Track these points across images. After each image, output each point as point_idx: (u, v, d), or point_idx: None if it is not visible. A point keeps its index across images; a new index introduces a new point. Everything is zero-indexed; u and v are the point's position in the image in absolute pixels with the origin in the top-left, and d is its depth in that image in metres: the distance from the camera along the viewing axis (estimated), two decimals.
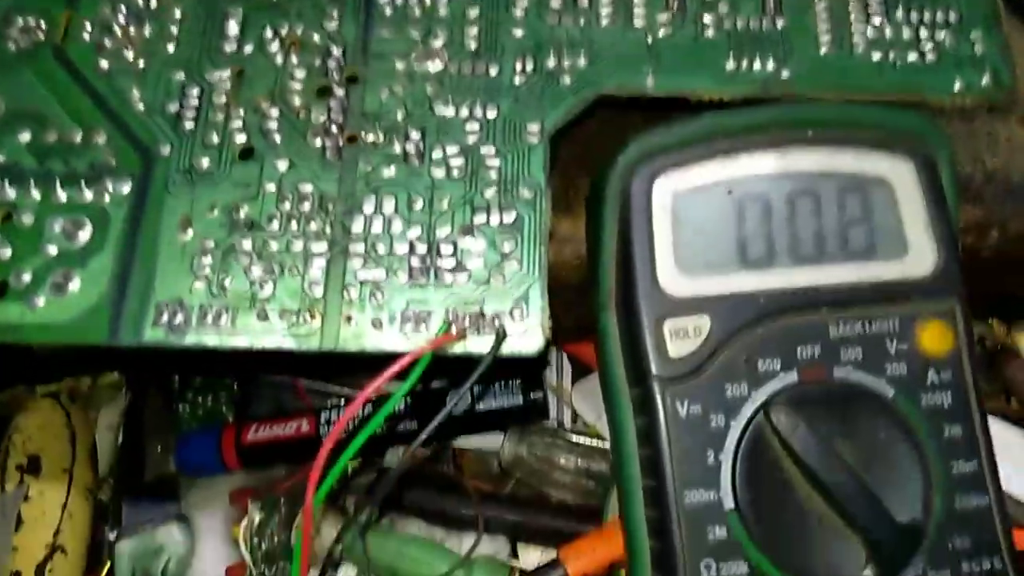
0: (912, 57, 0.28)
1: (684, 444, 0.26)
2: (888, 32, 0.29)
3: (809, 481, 0.26)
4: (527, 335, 0.25)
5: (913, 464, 0.26)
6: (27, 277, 0.27)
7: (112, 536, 0.41)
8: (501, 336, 0.25)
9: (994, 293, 0.38)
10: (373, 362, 0.26)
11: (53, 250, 0.27)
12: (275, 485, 0.42)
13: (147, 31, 0.30)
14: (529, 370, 0.40)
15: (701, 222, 0.28)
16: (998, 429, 0.32)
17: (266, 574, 0.40)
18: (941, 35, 0.29)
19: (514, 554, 0.41)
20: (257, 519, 0.40)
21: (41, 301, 0.26)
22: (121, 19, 0.30)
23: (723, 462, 0.26)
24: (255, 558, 0.39)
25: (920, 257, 0.28)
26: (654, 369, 0.27)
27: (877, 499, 0.26)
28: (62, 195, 0.28)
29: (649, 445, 0.27)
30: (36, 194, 0.28)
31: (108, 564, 0.40)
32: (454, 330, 0.25)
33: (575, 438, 0.43)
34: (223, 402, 0.46)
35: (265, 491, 0.41)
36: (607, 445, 0.41)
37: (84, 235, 0.27)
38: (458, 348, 0.26)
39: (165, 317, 0.26)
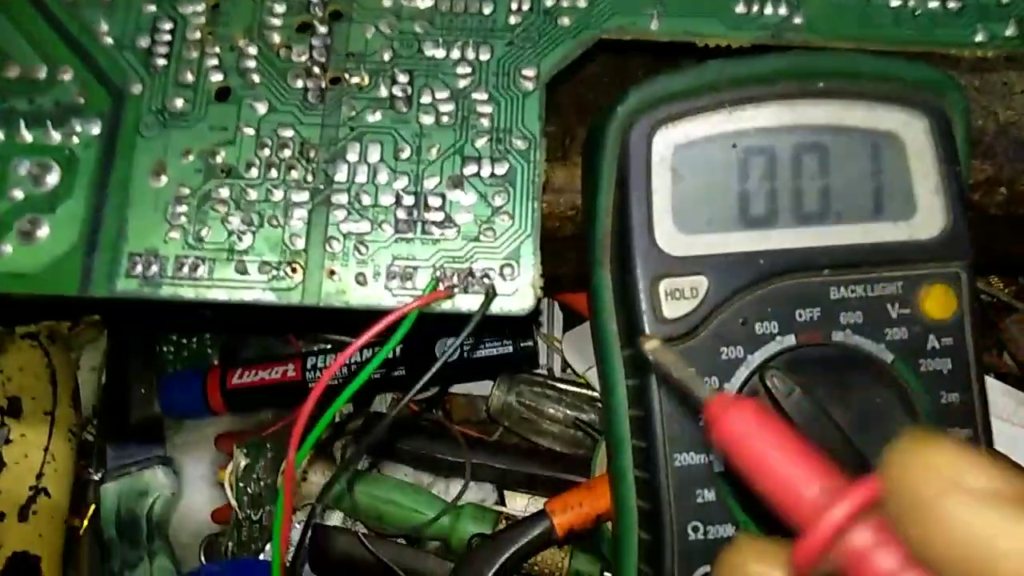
0: (933, 4, 0.27)
1: (676, 407, 0.26)
2: None
3: None
4: (518, 294, 0.25)
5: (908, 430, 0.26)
6: None
7: (97, 477, 0.41)
8: (491, 295, 0.24)
9: (998, 251, 0.38)
10: (357, 317, 0.25)
11: (19, 194, 0.26)
12: (261, 429, 0.41)
13: None
14: (519, 320, 0.39)
15: (702, 177, 0.26)
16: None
17: (252, 518, 0.40)
18: None
19: (501, 501, 0.41)
20: (243, 463, 0.40)
21: (8, 248, 0.25)
22: None
23: None
24: (241, 502, 0.39)
25: (928, 218, 0.27)
26: (648, 329, 0.26)
27: (869, 464, 0.25)
28: (27, 135, 0.26)
29: (640, 406, 0.26)
30: None
31: (93, 506, 0.40)
32: (442, 287, 0.24)
33: (564, 386, 0.42)
34: (208, 344, 0.45)
35: (251, 435, 0.41)
36: (596, 395, 0.41)
37: (52, 179, 0.26)
38: (446, 305, 0.25)
39: (139, 268, 0.25)
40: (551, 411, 0.41)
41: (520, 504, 0.41)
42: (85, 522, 0.40)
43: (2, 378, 0.40)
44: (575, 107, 0.33)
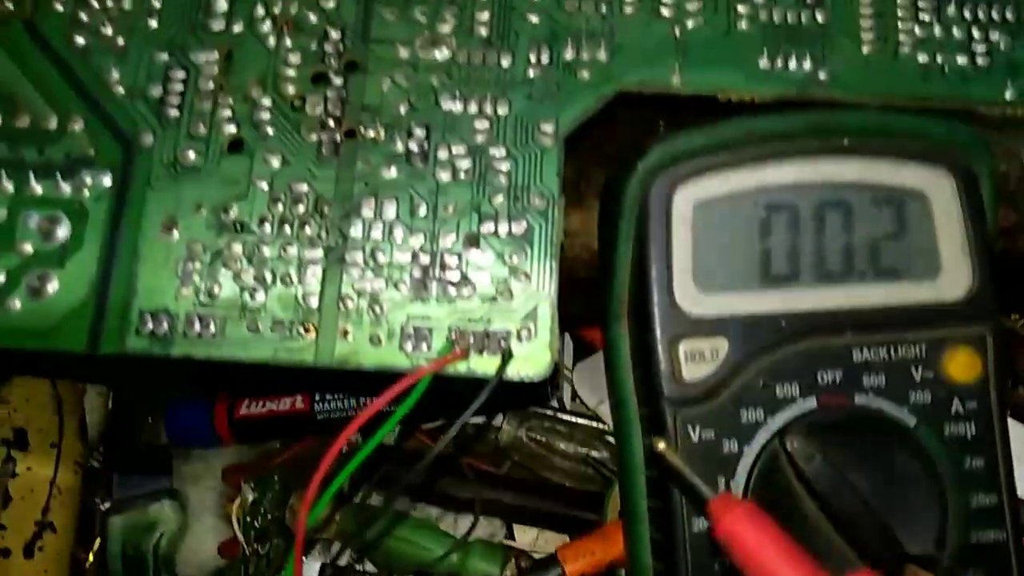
0: (962, 60, 0.26)
1: (694, 469, 0.25)
2: (937, 31, 0.26)
3: (822, 511, 0.25)
4: (534, 358, 0.24)
5: (930, 495, 0.25)
6: (1, 278, 0.25)
7: (103, 507, 0.41)
8: (507, 358, 0.24)
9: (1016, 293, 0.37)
10: (370, 377, 0.24)
11: (29, 248, 0.25)
12: (268, 462, 0.41)
13: (126, 3, 0.27)
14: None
15: (723, 235, 0.26)
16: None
17: (259, 552, 0.40)
18: (995, 36, 0.26)
19: (510, 535, 0.41)
20: (250, 498, 0.39)
21: (16, 304, 0.25)
22: None
23: (734, 489, 0.25)
24: (248, 537, 0.39)
25: (953, 279, 0.26)
26: (666, 391, 0.25)
27: (890, 531, 0.25)
28: (37, 187, 0.26)
29: (657, 467, 0.26)
30: (8, 186, 0.26)
31: (99, 540, 0.39)
32: (457, 349, 0.24)
33: (575, 419, 0.42)
34: None
35: (258, 468, 0.40)
36: (607, 430, 0.40)
37: (62, 233, 0.25)
38: (461, 368, 0.24)
39: (149, 325, 0.24)
40: (562, 447, 0.41)
41: (529, 538, 0.41)
42: (91, 556, 0.39)
43: (8, 409, 0.39)
44: (591, 149, 0.32)
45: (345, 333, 0.24)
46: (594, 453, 0.40)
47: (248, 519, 0.39)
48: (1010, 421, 0.35)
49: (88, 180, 0.26)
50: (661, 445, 0.20)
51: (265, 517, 0.40)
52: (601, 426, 0.41)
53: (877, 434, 0.25)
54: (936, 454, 0.25)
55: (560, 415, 0.42)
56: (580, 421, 0.42)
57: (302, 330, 0.24)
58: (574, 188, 0.31)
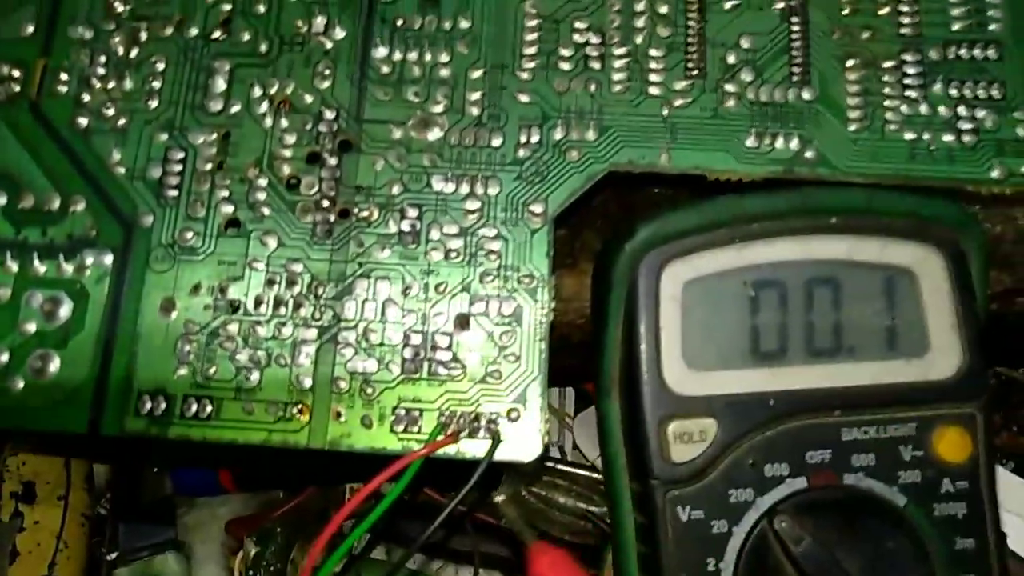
0: (948, 139, 0.26)
1: (684, 549, 0.25)
2: (923, 109, 0.27)
3: None
4: (524, 441, 0.24)
5: None
6: (4, 357, 0.26)
7: (109, 558, 0.41)
8: (496, 442, 0.24)
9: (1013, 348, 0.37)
10: (361, 459, 0.25)
11: (31, 328, 0.26)
12: (271, 513, 0.41)
13: (127, 84, 0.28)
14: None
15: (712, 314, 0.26)
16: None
17: None
18: (981, 114, 0.26)
19: None
20: (253, 552, 0.40)
21: (20, 383, 0.25)
22: (99, 70, 0.28)
23: (723, 570, 0.25)
24: None
25: (942, 357, 0.26)
26: (655, 471, 0.25)
27: None
28: (40, 267, 0.26)
29: (647, 544, 0.26)
30: (13, 265, 0.26)
31: None
32: (447, 433, 0.24)
33: (574, 470, 0.42)
34: None
35: (260, 521, 0.41)
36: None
37: (64, 313, 0.26)
38: (451, 450, 0.24)
39: (148, 406, 0.25)
40: (561, 500, 0.41)
41: None
42: None
43: (16, 462, 0.40)
44: (583, 213, 0.32)
45: (338, 415, 0.25)
46: (593, 508, 0.40)
47: (251, 573, 0.39)
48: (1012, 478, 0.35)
49: (89, 260, 0.26)
50: (500, 497, 0.21)
51: (268, 569, 0.40)
52: (600, 478, 0.41)
53: (867, 514, 0.25)
54: (926, 534, 0.25)
55: (559, 466, 0.42)
56: (580, 473, 0.42)
57: (296, 411, 0.25)
58: (568, 251, 0.31)
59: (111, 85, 0.28)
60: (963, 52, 0.27)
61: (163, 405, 0.25)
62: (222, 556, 0.42)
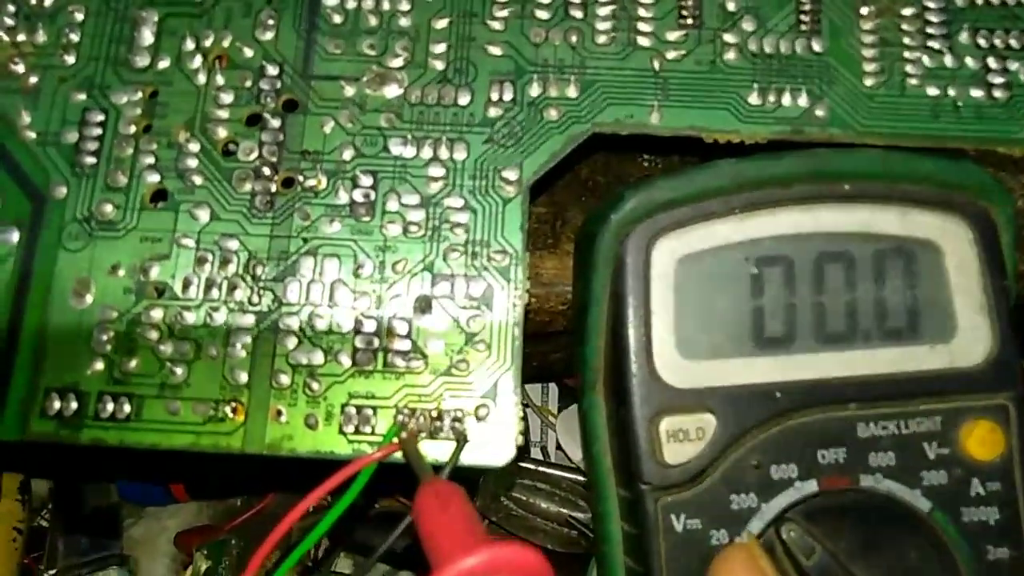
0: (977, 94, 0.23)
1: (679, 563, 0.23)
2: (949, 61, 0.24)
3: None
4: (494, 443, 0.21)
5: None
6: None
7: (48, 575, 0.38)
8: (461, 444, 0.21)
9: None
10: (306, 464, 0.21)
11: None
12: (225, 526, 0.38)
13: (40, 37, 0.24)
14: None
15: (709, 295, 0.23)
16: None
17: None
18: (1014, 66, 0.24)
19: None
20: (204, 567, 0.36)
21: None
22: (7, 20, 0.24)
23: None
24: None
25: (971, 342, 0.24)
26: (646, 475, 0.23)
27: None
28: None
29: (638, 559, 0.23)
30: None
31: None
32: (404, 434, 0.21)
33: (557, 472, 0.39)
34: None
35: (211, 534, 0.38)
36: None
37: None
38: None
39: (56, 405, 0.22)
40: (543, 506, 0.38)
41: None
42: None
43: None
44: (566, 184, 0.29)
45: (278, 414, 0.21)
46: (579, 514, 0.37)
47: None
48: None
49: None
50: (404, 435, 0.21)
51: None
52: (583, 481, 0.39)
53: (886, 521, 0.23)
54: (954, 544, 0.23)
55: (542, 468, 0.39)
56: (565, 475, 0.39)
57: (229, 411, 0.21)
58: (549, 229, 0.28)
59: (20, 38, 0.25)
60: None
61: (74, 405, 0.22)
62: (171, 572, 0.38)
